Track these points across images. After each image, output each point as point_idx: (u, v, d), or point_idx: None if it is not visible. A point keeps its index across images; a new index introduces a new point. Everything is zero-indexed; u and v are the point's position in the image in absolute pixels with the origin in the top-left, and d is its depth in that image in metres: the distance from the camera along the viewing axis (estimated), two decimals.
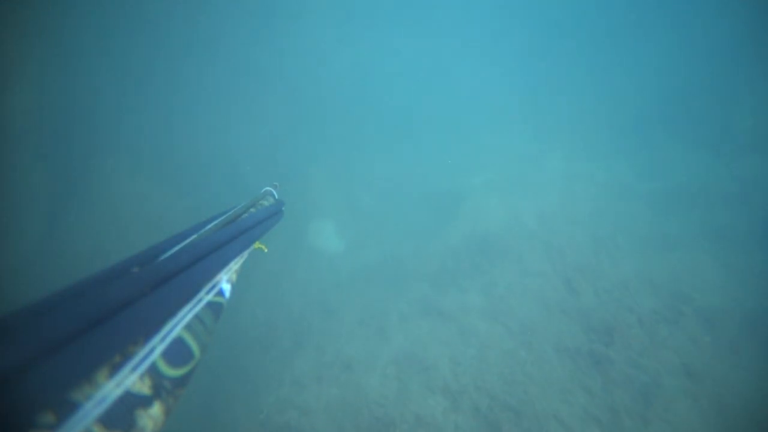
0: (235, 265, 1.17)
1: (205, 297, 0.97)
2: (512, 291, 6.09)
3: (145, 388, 0.73)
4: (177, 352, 0.84)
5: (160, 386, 0.77)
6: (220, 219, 1.32)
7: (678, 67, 13.19)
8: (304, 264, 7.75)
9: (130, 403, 0.69)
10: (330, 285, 7.13)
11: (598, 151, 10.60)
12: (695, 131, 10.81)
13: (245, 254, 1.27)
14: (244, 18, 11.70)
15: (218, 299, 1.06)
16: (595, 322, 5.30)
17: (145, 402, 0.72)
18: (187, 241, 1.06)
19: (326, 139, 11.37)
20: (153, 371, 0.76)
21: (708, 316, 5.20)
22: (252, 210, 1.56)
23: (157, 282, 0.78)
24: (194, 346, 0.90)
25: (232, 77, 11.12)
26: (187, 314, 0.86)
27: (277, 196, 1.95)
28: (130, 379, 0.69)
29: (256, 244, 1.44)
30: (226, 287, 1.12)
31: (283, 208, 1.86)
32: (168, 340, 0.79)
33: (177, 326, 0.83)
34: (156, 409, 0.75)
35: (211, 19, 10.99)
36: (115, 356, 0.68)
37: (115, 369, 0.67)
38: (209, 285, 1.00)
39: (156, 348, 0.76)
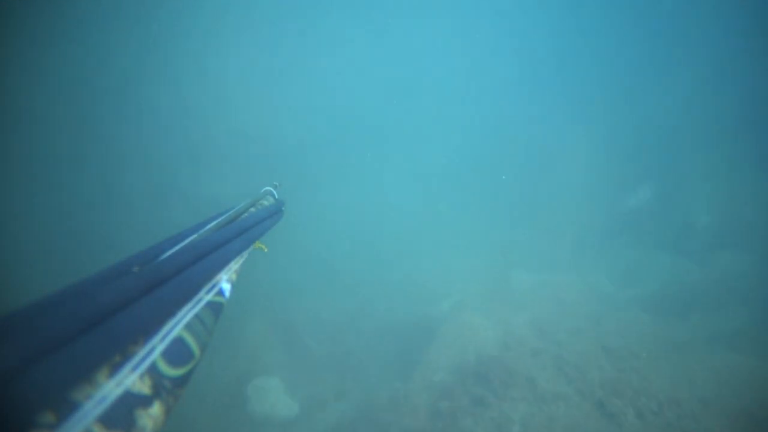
0: (235, 265, 1.18)
1: (205, 297, 0.97)
2: (534, 426, 4.88)
3: (145, 388, 0.73)
4: (177, 352, 0.84)
5: (160, 386, 0.77)
6: (220, 219, 1.33)
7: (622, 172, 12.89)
8: None
9: (130, 403, 0.69)
10: None
11: (567, 263, 10.06)
12: (655, 234, 10.52)
13: (245, 254, 1.28)
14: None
15: (218, 299, 1.06)
16: None
17: (145, 402, 0.72)
18: (187, 240, 1.07)
19: (258, 284, 9.22)
20: (153, 371, 0.76)
21: None
22: (252, 209, 1.57)
23: (158, 281, 0.78)
24: (194, 346, 0.91)
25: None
26: (187, 314, 0.87)
27: (277, 196, 1.95)
28: (130, 378, 0.69)
29: (256, 244, 1.45)
30: (226, 287, 1.12)
31: (283, 208, 1.87)
32: (168, 339, 0.80)
33: (177, 326, 0.83)
34: (156, 409, 0.75)
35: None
36: (115, 356, 0.68)
37: (115, 369, 0.68)
38: (209, 285, 1.00)
39: (156, 348, 0.76)
